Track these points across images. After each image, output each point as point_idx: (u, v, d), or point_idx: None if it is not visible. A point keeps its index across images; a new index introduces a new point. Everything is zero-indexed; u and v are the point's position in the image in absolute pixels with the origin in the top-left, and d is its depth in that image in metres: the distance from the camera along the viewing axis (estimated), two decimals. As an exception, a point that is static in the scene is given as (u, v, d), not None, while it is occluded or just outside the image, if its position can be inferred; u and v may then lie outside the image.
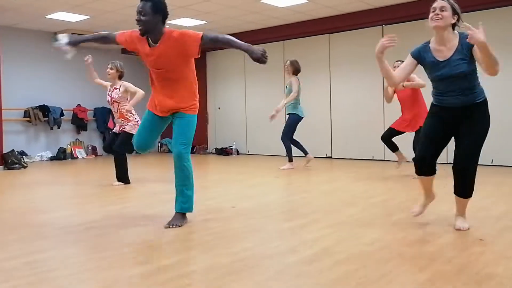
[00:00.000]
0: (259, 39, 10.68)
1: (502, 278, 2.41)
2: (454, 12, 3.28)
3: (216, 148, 11.75)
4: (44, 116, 10.31)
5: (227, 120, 11.78)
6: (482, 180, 6.13)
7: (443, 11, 3.26)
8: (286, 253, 2.91)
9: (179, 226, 3.63)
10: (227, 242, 3.20)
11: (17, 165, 8.52)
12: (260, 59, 3.55)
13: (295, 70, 7.82)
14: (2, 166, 8.54)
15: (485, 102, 3.35)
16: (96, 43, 4.01)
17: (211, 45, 3.71)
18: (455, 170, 3.42)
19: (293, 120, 7.81)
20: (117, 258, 2.86)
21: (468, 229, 3.42)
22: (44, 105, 10.36)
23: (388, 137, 6.52)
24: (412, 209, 3.78)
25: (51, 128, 10.49)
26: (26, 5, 8.20)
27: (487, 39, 2.95)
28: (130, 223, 3.81)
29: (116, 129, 6.17)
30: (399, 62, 6.08)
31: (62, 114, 10.63)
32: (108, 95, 6.12)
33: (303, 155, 7.90)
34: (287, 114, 7.95)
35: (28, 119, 10.15)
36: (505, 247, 2.96)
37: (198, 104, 3.88)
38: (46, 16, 8.93)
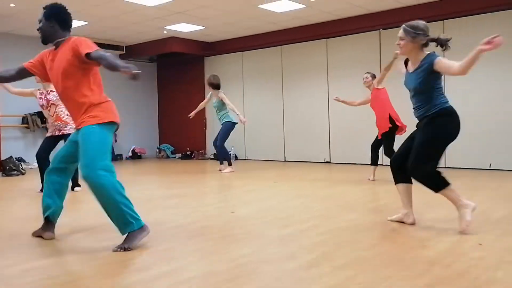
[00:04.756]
0: (257, 44, 10.72)
1: (502, 283, 2.41)
2: (415, 35, 3.51)
3: (214, 154, 11.73)
4: (42, 122, 10.29)
5: (225, 125, 11.76)
6: (480, 184, 6.16)
7: (401, 40, 3.58)
8: (285, 259, 2.91)
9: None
10: (226, 248, 3.20)
11: (15, 172, 8.50)
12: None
13: (215, 85, 8.41)
14: (0, 172, 8.52)
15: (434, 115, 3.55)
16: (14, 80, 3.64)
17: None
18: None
19: (228, 127, 8.36)
20: (116, 265, 2.85)
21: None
22: (42, 111, 10.32)
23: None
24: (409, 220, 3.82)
25: (49, 134, 10.47)
26: (23, 12, 8.22)
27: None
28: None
29: (52, 133, 6.14)
30: (367, 74, 6.72)
31: (60, 120, 10.61)
32: (43, 98, 6.12)
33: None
34: (222, 123, 8.41)
35: (26, 125, 10.14)
36: (504, 252, 2.96)
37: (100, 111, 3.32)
38: (44, 23, 8.94)
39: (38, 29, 3.51)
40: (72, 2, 7.68)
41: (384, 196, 5.38)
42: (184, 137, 12.54)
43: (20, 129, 10.20)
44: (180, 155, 12.47)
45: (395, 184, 3.81)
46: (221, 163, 8.59)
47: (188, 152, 12.26)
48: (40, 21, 3.48)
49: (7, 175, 8.45)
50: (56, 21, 3.46)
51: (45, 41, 3.51)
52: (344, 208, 4.64)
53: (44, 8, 3.52)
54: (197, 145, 12.25)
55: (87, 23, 9.08)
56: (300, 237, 3.47)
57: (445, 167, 8.39)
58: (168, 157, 12.67)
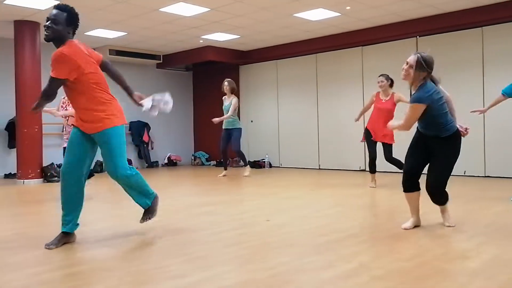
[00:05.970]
0: (292, 52, 10.72)
1: (548, 297, 2.33)
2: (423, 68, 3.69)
3: (249, 161, 11.76)
4: (81, 130, 10.54)
5: (260, 133, 11.80)
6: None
7: (410, 68, 3.73)
8: (323, 268, 2.89)
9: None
10: (263, 257, 3.19)
11: (56, 178, 8.73)
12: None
13: (233, 89, 8.82)
14: (42, 179, 8.77)
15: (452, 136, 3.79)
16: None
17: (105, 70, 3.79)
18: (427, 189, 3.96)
19: (240, 133, 8.96)
20: (153, 272, 2.89)
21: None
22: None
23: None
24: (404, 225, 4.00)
25: (88, 142, 10.71)
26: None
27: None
28: (165, 237, 3.85)
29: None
30: (381, 77, 6.86)
31: (99, 128, 10.84)
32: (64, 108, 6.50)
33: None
34: (233, 129, 8.89)
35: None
36: (550, 265, 2.86)
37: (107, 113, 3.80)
38: (85, 33, 9.20)
39: (49, 27, 3.41)
40: (113, 13, 7.89)
41: (422, 205, 5.27)
42: (219, 145, 12.61)
43: (61, 136, 10.46)
44: (215, 162, 12.55)
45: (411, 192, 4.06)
46: (225, 168, 9.26)
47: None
48: (54, 22, 3.40)
49: (48, 181, 8.69)
50: (73, 29, 3.57)
51: (50, 41, 3.53)
52: (381, 217, 4.57)
53: (65, 9, 3.47)
54: (231, 152, 12.30)
55: (126, 33, 9.28)
56: (337, 246, 3.43)
57: (485, 176, 8.18)
58: (203, 164, 12.77)
